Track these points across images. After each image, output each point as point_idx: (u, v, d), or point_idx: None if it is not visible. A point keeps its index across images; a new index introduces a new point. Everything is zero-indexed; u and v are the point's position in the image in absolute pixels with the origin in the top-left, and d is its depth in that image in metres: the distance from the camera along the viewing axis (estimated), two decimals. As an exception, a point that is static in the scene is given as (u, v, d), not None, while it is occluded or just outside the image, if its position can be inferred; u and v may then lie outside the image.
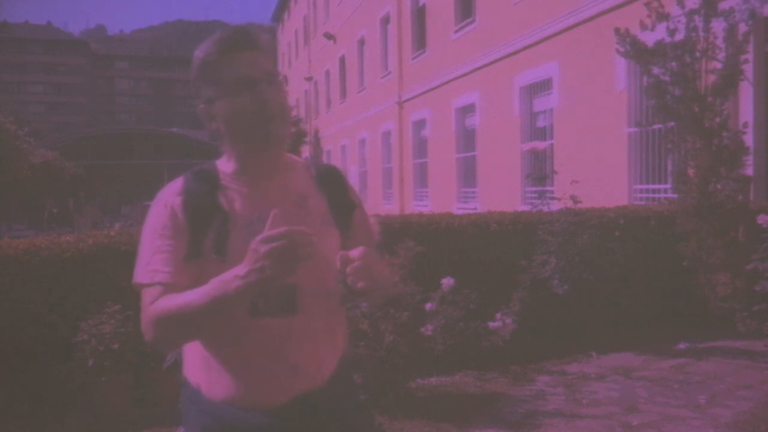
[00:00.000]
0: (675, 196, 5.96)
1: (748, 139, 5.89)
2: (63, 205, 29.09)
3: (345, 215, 1.54)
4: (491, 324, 4.95)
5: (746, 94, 6.68)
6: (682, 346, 5.37)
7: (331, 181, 1.56)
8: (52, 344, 4.29)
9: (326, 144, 30.39)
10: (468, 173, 14.50)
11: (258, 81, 1.40)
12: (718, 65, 5.52)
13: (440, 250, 5.42)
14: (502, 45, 12.17)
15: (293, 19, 38.30)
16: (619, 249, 5.60)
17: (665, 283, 6.03)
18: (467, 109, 14.44)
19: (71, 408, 4.26)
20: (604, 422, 3.85)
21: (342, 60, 26.01)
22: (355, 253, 1.30)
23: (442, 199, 15.44)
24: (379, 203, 20.49)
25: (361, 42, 22.96)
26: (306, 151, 32.12)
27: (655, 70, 5.59)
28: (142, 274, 1.36)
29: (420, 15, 17.26)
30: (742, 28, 5.70)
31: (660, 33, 5.67)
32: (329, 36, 26.66)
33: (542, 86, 11.12)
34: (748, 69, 5.81)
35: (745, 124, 5.69)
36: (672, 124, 5.65)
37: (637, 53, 5.73)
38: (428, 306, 4.67)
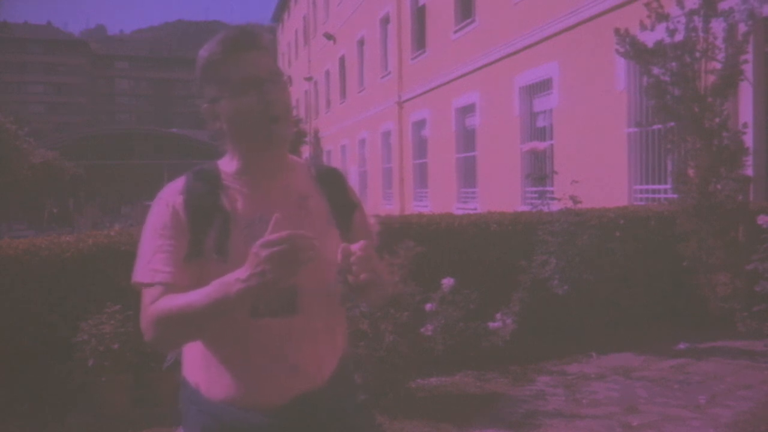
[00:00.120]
0: (675, 196, 5.97)
1: (748, 139, 5.89)
2: (63, 205, 29.09)
3: (345, 216, 1.54)
4: (491, 324, 4.95)
5: (746, 94, 6.68)
6: (682, 346, 5.37)
7: (332, 181, 1.56)
8: (52, 344, 4.29)
9: (326, 144, 30.39)
10: (468, 173, 14.50)
11: (263, 81, 1.40)
12: (718, 65, 5.52)
13: (440, 250, 5.42)
14: (502, 45, 12.17)
15: (293, 19, 38.31)
16: (619, 249, 5.60)
17: (665, 283, 6.03)
18: (467, 109, 14.44)
19: (71, 408, 4.26)
20: (604, 422, 3.85)
21: (342, 60, 26.01)
22: (357, 246, 1.31)
23: (442, 199, 15.44)
24: (379, 203, 20.48)
25: (361, 42, 22.96)
26: (306, 151, 32.14)
27: (655, 71, 5.59)
28: (142, 273, 1.36)
29: (420, 15, 17.26)
30: (742, 28, 5.70)
31: (660, 33, 5.67)
32: (329, 36, 26.66)
33: (542, 86, 11.12)
34: (748, 69, 5.82)
35: (745, 125, 5.70)
36: (672, 124, 5.65)
37: (637, 53, 5.74)
38: (428, 306, 4.67)
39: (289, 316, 1.39)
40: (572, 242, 5.39)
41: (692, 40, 5.48)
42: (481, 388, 4.53)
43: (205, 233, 1.37)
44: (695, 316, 5.81)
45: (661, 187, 8.06)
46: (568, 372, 4.86)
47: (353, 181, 21.98)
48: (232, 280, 1.23)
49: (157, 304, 1.31)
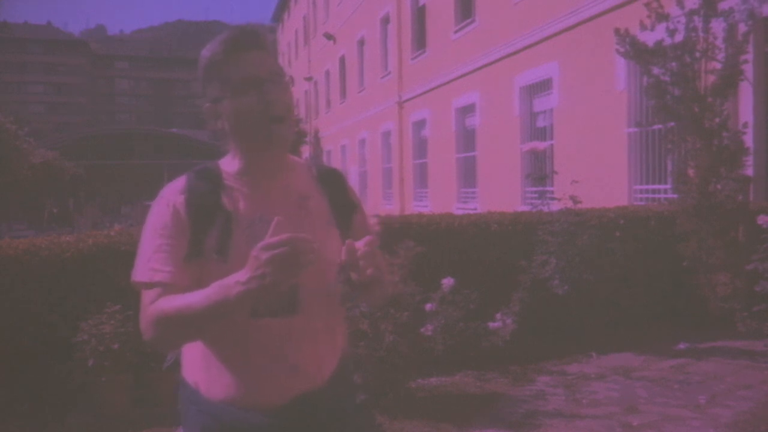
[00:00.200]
0: (675, 196, 5.97)
1: (748, 140, 5.89)
2: (63, 205, 29.09)
3: (346, 216, 1.54)
4: (491, 324, 4.95)
5: (746, 94, 6.68)
6: (682, 346, 5.37)
7: (332, 182, 1.56)
8: (52, 344, 4.29)
9: (326, 144, 30.39)
10: (468, 173, 14.50)
11: (265, 81, 1.40)
12: (718, 65, 5.52)
13: (440, 250, 5.42)
14: (502, 45, 12.17)
15: (293, 19, 38.30)
16: (619, 249, 5.61)
17: (665, 283, 6.03)
18: (467, 109, 14.44)
19: (71, 408, 4.26)
20: (604, 422, 3.85)
21: (342, 60, 26.00)
22: (361, 242, 1.31)
23: (442, 199, 15.44)
24: (379, 203, 20.48)
25: (361, 42, 22.96)
26: (306, 151, 32.14)
27: (655, 71, 5.59)
28: (141, 272, 1.36)
29: (420, 15, 17.26)
30: (742, 28, 5.70)
31: (660, 33, 5.67)
32: (329, 36, 26.66)
33: (542, 86, 11.12)
34: (748, 69, 5.82)
35: (745, 124, 5.69)
36: (672, 124, 5.65)
37: (637, 53, 5.74)
38: (428, 306, 4.67)
39: (289, 316, 1.39)
40: (572, 242, 5.39)
41: (692, 40, 5.48)
42: (481, 388, 4.53)
43: (206, 233, 1.37)
44: (695, 316, 5.81)
45: (661, 187, 8.06)
46: (568, 372, 4.86)
47: (353, 181, 21.99)
48: (232, 282, 1.23)
49: (156, 305, 1.31)
